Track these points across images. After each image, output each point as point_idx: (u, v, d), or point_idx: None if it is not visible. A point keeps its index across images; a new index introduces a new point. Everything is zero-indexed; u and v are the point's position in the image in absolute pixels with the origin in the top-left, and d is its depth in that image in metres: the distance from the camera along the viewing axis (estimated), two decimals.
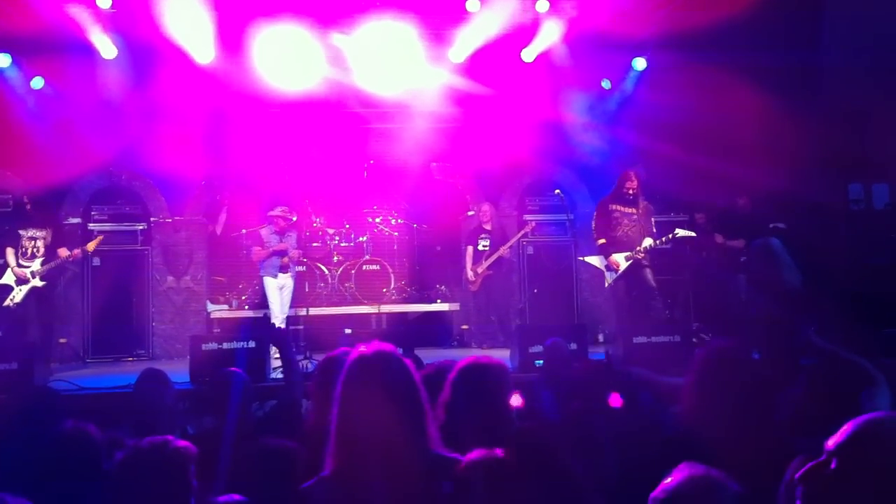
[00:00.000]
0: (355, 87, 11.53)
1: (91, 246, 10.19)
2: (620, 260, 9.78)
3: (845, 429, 1.77)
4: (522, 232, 11.79)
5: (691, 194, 12.03)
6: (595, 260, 10.12)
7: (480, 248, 11.56)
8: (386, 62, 11.24)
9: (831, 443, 1.76)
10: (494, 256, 11.43)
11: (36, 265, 9.79)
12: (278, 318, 10.43)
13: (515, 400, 3.57)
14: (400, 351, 2.97)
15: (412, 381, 2.83)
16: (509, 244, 11.56)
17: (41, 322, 9.86)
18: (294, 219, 11.31)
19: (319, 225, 12.32)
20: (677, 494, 1.88)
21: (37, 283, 9.75)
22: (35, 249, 9.88)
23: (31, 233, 9.92)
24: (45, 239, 9.93)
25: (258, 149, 11.87)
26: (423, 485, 2.66)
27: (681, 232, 10.09)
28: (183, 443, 2.99)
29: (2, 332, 9.61)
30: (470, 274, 11.48)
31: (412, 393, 2.80)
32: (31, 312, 9.73)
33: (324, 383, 3.93)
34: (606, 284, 9.95)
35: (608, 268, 9.86)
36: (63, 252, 9.93)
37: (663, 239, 10.00)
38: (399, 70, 11.34)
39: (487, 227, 11.63)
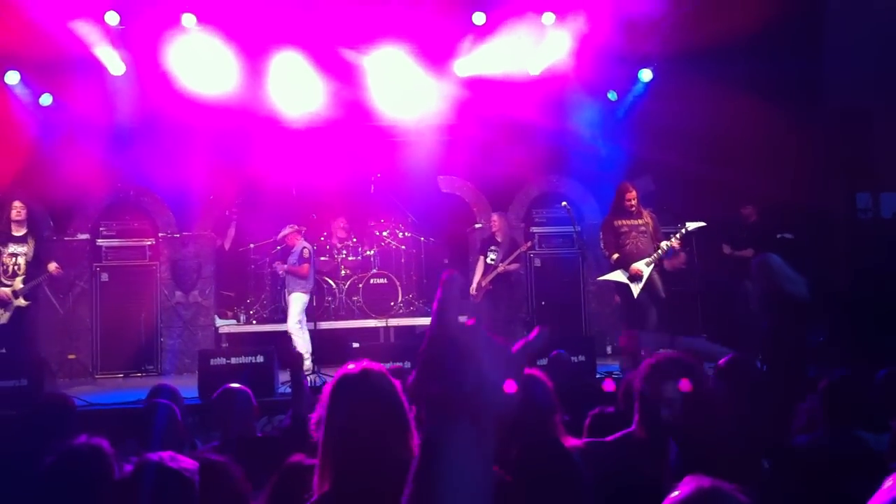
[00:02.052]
0: (362, 102, 11.60)
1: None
2: (642, 267, 9.68)
3: None
4: (519, 251, 11.55)
5: (698, 205, 12.01)
6: (616, 275, 9.91)
7: (489, 260, 11.46)
8: (392, 78, 11.34)
9: None
10: (493, 274, 11.29)
11: (17, 283, 9.46)
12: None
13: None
14: (408, 365, 2.98)
15: (395, 395, 2.85)
16: (507, 262, 11.35)
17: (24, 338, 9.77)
18: (303, 230, 11.36)
19: (326, 239, 12.35)
20: None
21: (20, 303, 9.47)
22: (16, 266, 9.53)
23: (11, 248, 9.56)
24: (26, 255, 9.58)
25: (266, 164, 11.89)
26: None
27: (691, 225, 10.01)
28: (187, 461, 3.01)
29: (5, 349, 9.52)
30: (473, 286, 11.37)
31: (396, 407, 2.82)
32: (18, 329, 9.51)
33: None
34: (636, 294, 9.77)
35: (632, 279, 9.76)
36: (52, 267, 9.63)
37: (677, 235, 9.93)
38: (405, 85, 11.42)
39: (498, 238, 11.50)
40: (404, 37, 11.00)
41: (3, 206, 9.92)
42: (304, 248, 10.71)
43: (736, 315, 11.14)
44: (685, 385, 3.46)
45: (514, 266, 11.37)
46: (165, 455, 3.00)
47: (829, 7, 11.33)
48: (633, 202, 9.81)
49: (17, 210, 9.69)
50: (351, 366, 2.89)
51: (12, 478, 3.90)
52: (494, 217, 11.70)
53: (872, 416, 4.15)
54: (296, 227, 10.93)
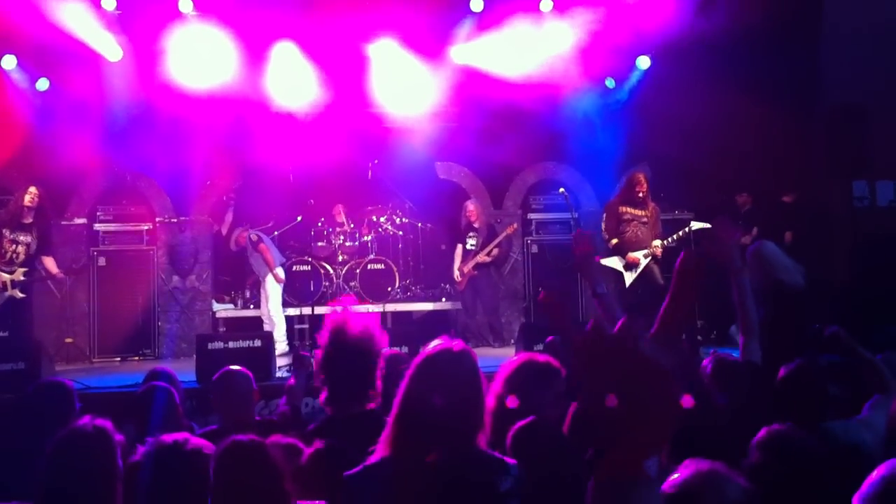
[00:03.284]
0: (360, 88, 11.61)
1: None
2: (640, 256, 9.75)
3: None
4: (503, 235, 11.58)
5: (694, 193, 12.04)
6: (613, 261, 9.98)
7: (468, 246, 11.46)
8: (390, 64, 11.36)
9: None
10: (475, 260, 11.33)
11: (18, 275, 9.34)
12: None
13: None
14: (405, 350, 3.02)
15: (477, 379, 2.90)
16: (489, 248, 11.38)
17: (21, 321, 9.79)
18: (299, 219, 11.37)
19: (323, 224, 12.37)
20: (685, 489, 1.89)
21: (16, 294, 9.38)
22: (14, 255, 9.36)
23: (15, 235, 9.37)
24: (28, 245, 9.43)
25: (263, 149, 11.88)
26: (474, 482, 2.71)
27: (696, 225, 10.06)
28: (201, 441, 3.04)
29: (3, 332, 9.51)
30: (456, 273, 11.40)
31: (474, 390, 2.86)
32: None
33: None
34: (628, 284, 9.84)
35: (627, 267, 9.81)
36: (51, 265, 9.63)
37: (680, 234, 9.99)
38: (403, 71, 11.43)
39: (476, 224, 11.54)
40: (402, 22, 10.98)
41: (15, 191, 9.82)
42: (250, 238, 10.97)
43: (732, 303, 11.16)
44: (687, 401, 3.47)
45: (495, 252, 11.39)
46: (179, 437, 3.04)
47: (826, 3, 11.33)
48: (643, 193, 9.84)
49: (32, 196, 9.45)
50: (438, 342, 2.93)
51: (10, 465, 3.92)
52: (470, 204, 11.69)
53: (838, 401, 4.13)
54: (239, 228, 11.16)
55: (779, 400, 4.00)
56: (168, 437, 3.04)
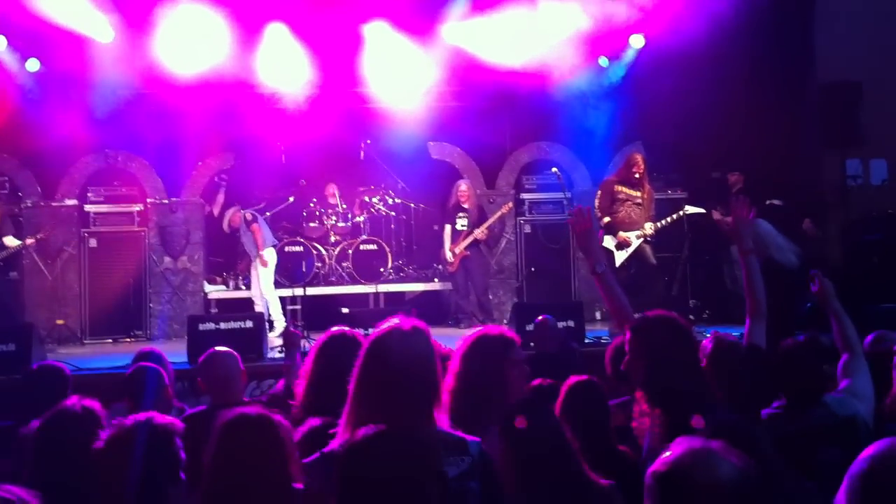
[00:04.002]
0: (351, 69, 11.55)
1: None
2: (631, 237, 9.75)
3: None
4: (499, 213, 11.56)
5: (687, 172, 12.03)
6: (604, 240, 10.02)
7: (459, 227, 11.39)
8: (382, 44, 11.32)
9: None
10: (470, 239, 11.26)
11: None
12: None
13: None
14: None
15: (429, 357, 2.87)
16: (485, 226, 11.37)
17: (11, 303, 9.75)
18: (291, 199, 11.31)
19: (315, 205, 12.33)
20: (677, 467, 1.87)
21: None
22: None
23: None
24: None
25: (255, 130, 11.85)
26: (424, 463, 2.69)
27: (690, 209, 10.08)
28: (167, 418, 3.00)
29: None
30: (448, 255, 11.32)
31: (426, 369, 2.84)
32: None
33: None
34: (618, 264, 9.85)
35: (619, 246, 9.80)
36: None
37: (674, 216, 9.99)
38: (395, 51, 11.38)
39: (465, 205, 11.48)
40: (394, 1, 10.93)
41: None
42: (245, 217, 11.00)
43: (724, 281, 11.19)
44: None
45: (486, 231, 11.37)
46: (142, 416, 2.99)
47: None
48: (640, 174, 9.84)
49: None
50: (396, 320, 2.90)
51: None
52: (463, 184, 11.63)
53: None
54: (232, 208, 11.24)
55: (778, 376, 4.00)
56: (130, 419, 2.99)
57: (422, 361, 2.84)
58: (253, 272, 11.03)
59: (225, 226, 11.27)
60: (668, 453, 1.94)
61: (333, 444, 2.77)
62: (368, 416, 2.73)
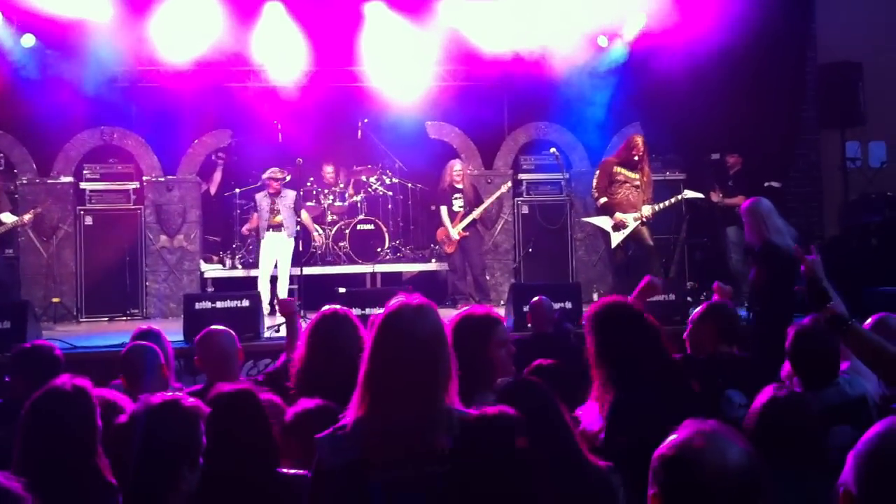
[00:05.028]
0: (349, 47, 11.49)
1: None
2: (628, 219, 9.74)
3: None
4: (498, 193, 11.53)
5: (686, 152, 11.99)
6: (601, 221, 10.02)
7: (456, 208, 11.34)
8: (379, 23, 11.26)
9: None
10: (469, 219, 11.21)
11: None
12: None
13: None
14: None
15: (440, 332, 2.85)
16: (484, 206, 11.35)
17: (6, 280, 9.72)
18: (288, 178, 11.24)
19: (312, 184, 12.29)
20: (686, 450, 1.84)
21: None
22: None
23: None
24: None
25: (252, 108, 11.80)
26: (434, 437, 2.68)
27: (689, 193, 10.08)
28: (194, 400, 3.01)
29: None
30: (453, 233, 11.23)
31: (439, 344, 2.82)
32: None
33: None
34: (613, 245, 9.84)
35: (615, 227, 9.80)
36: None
37: (672, 200, 9.99)
38: (393, 31, 11.32)
39: (459, 185, 11.43)
40: None
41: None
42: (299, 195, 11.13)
43: (722, 263, 11.17)
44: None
45: (482, 213, 11.38)
46: (170, 396, 3.02)
47: None
48: (640, 156, 9.83)
49: None
50: (401, 298, 2.88)
51: None
52: (456, 165, 11.57)
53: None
54: (276, 170, 11.07)
55: (793, 358, 4.01)
56: (157, 398, 3.00)
57: (436, 336, 2.83)
58: (280, 250, 10.92)
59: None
60: (674, 436, 1.91)
61: (346, 420, 2.76)
62: (384, 394, 2.73)
